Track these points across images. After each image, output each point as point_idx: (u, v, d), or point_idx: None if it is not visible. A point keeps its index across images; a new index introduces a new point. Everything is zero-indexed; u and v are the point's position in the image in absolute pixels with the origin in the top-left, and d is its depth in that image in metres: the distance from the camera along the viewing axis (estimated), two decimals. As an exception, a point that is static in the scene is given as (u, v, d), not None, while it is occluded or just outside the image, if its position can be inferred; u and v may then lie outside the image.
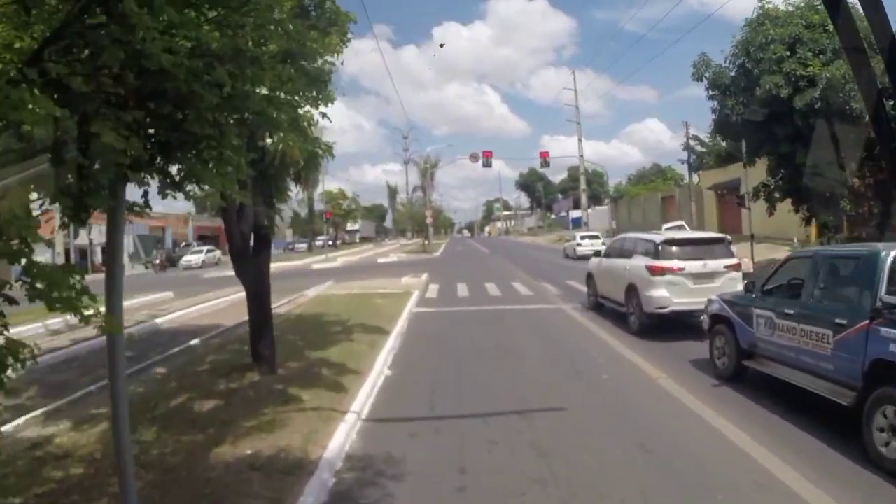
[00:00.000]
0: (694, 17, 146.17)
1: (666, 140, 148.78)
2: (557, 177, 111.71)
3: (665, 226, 26.87)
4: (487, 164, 38.71)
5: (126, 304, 4.29)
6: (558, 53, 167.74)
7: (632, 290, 9.37)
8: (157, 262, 43.03)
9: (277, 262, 33.66)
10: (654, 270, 8.86)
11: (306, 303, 14.55)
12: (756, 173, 16.62)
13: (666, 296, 8.68)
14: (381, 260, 35.48)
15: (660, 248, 9.10)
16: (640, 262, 9.35)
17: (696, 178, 45.81)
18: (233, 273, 7.22)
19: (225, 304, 14.73)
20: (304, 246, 58.54)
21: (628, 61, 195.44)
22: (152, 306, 15.13)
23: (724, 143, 35.65)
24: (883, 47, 2.19)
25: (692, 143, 54.92)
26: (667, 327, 8.83)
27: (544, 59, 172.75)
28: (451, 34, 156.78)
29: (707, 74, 15.53)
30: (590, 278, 12.15)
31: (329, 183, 60.40)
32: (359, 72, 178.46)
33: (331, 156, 5.72)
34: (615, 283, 10.31)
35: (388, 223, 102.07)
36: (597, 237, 31.00)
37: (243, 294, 7.48)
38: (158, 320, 12.34)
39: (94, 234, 52.26)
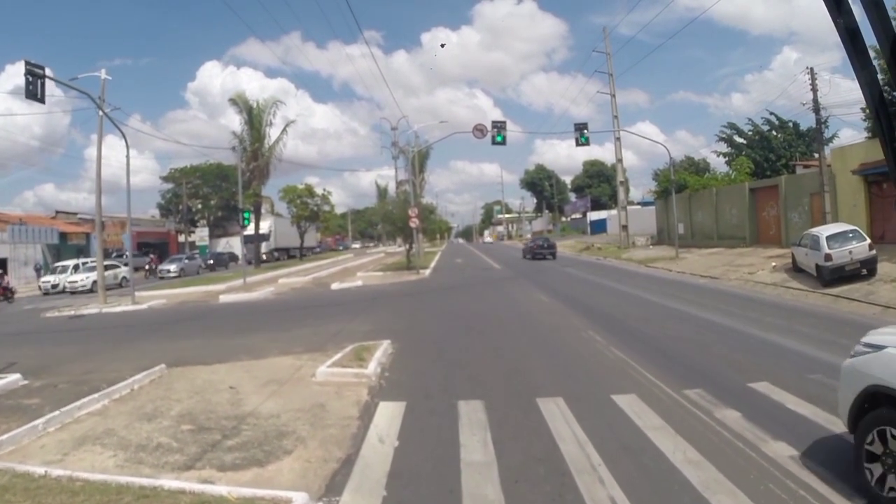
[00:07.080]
0: (681, 22, 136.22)
1: (660, 142, 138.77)
2: (565, 177, 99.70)
3: (826, 232, 15.38)
4: (500, 141, 26.28)
5: None
6: (549, 58, 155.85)
7: None
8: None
9: (160, 290, 20.49)
10: None
11: None
12: None
13: None
14: (336, 285, 22.97)
15: None
16: None
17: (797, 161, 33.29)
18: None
19: None
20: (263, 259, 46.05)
21: (623, 64, 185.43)
22: None
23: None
24: (884, 46, 2.12)
25: (726, 131, 42.12)
26: None
27: (536, 63, 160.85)
28: (442, 39, 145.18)
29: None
30: None
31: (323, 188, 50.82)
32: (353, 77, 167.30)
33: None
34: None
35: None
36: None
37: None
38: None
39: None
